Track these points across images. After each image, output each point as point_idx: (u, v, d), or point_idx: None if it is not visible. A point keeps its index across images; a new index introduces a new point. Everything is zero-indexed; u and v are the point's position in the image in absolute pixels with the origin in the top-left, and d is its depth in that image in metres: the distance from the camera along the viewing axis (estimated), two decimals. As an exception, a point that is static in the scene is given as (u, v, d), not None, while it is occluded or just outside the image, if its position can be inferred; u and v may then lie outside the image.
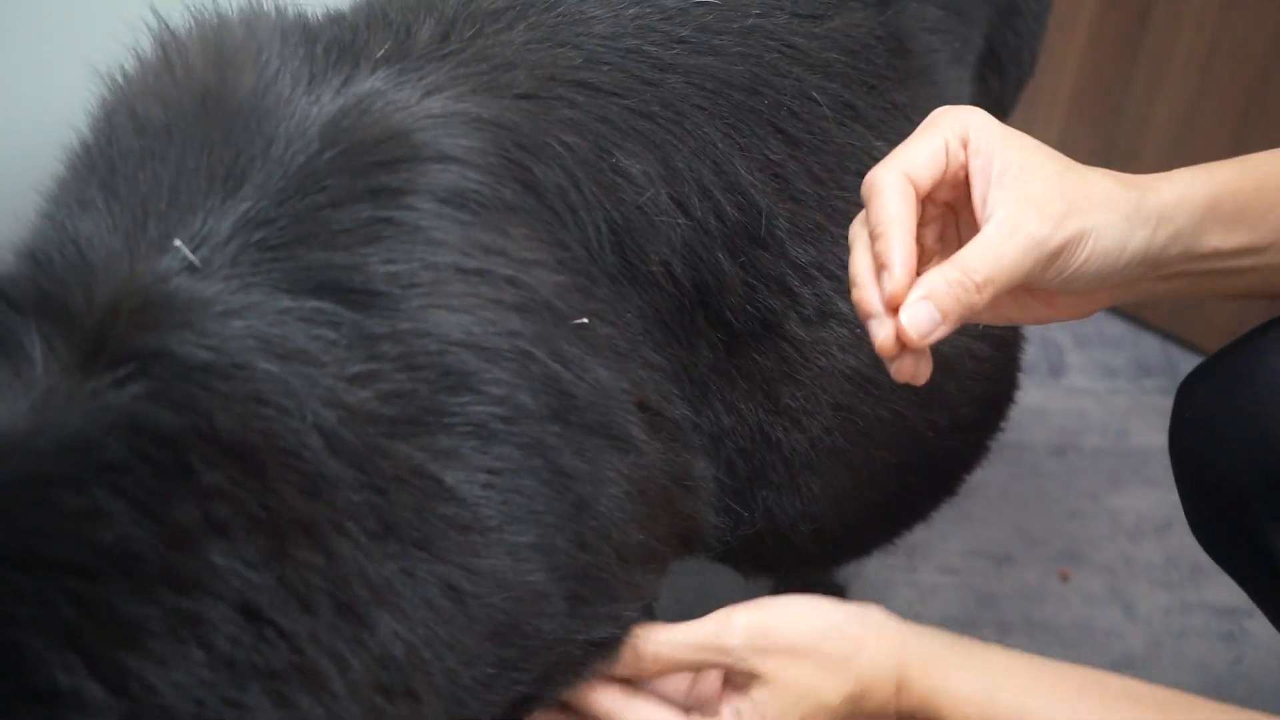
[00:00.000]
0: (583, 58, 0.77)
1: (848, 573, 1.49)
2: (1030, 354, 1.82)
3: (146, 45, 0.73)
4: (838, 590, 1.43)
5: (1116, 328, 1.88)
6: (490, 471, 0.67)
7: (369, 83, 0.69)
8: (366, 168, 0.65)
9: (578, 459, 0.71)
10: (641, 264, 0.76)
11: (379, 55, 0.72)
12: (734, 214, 0.80)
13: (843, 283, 0.86)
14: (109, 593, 0.56)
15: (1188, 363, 1.82)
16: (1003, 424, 1.02)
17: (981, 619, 1.45)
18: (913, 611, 1.46)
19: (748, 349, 0.83)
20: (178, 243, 0.61)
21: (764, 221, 0.82)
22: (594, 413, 0.72)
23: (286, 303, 0.62)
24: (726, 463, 0.85)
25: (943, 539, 1.55)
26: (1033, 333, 1.87)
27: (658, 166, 0.77)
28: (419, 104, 0.69)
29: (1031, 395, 1.77)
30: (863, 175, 0.89)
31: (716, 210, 0.79)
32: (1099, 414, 1.74)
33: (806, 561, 0.96)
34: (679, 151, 0.78)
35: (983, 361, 0.95)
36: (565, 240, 0.73)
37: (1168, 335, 1.86)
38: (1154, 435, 1.71)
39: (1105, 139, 1.82)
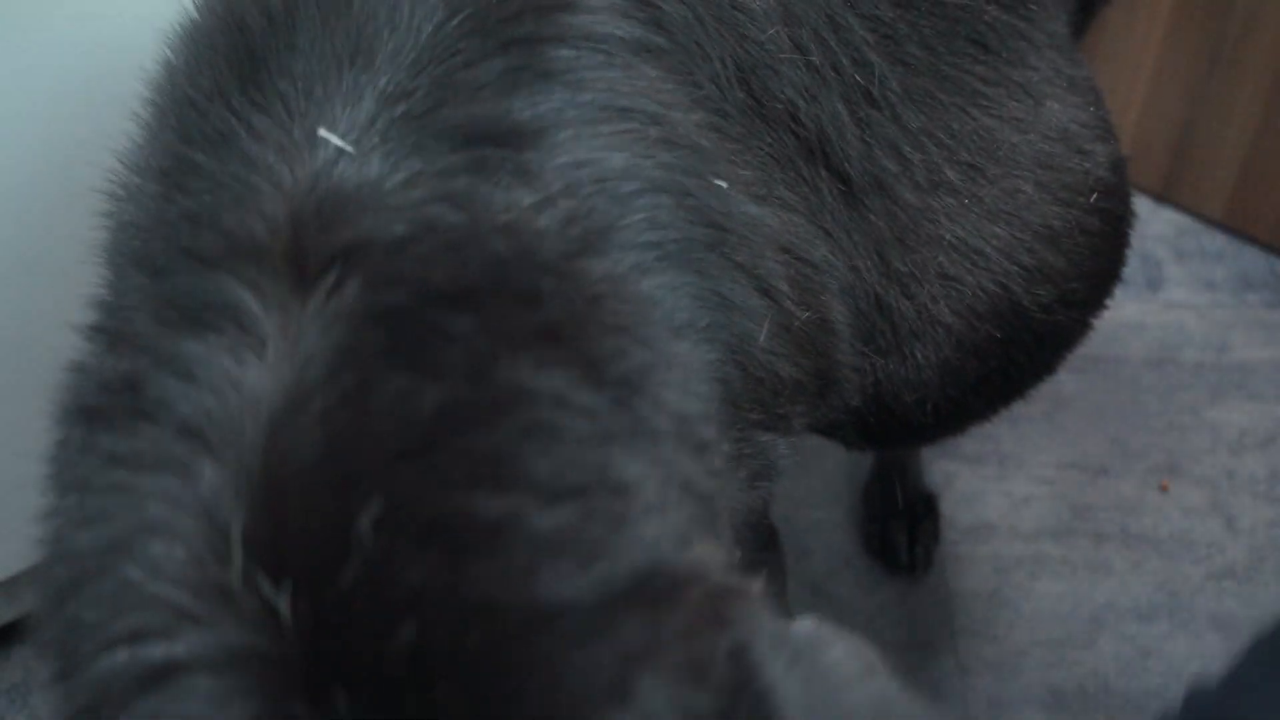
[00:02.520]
0: None
1: (939, 481, 1.47)
2: (1128, 268, 1.78)
3: None
4: (929, 498, 1.41)
5: (1217, 241, 1.82)
6: (673, 287, 0.67)
7: None
8: (495, 25, 0.65)
9: (736, 291, 0.71)
10: (769, 101, 0.76)
11: None
12: (849, 67, 0.79)
13: (952, 151, 0.86)
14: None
15: (1293, 276, 1.76)
16: (1108, 301, 1.00)
17: (1077, 529, 1.43)
18: (1005, 522, 1.44)
19: (864, 207, 0.82)
20: (323, 132, 0.61)
21: (877, 80, 0.81)
22: (745, 250, 0.72)
23: (449, 159, 0.61)
24: (851, 319, 0.85)
25: (1036, 450, 1.52)
26: (1131, 246, 1.83)
27: (776, 6, 0.76)
28: None
29: (1128, 310, 1.73)
30: (976, 37, 0.88)
31: (833, 61, 0.78)
32: (1199, 328, 1.69)
33: (908, 432, 0.96)
34: None
35: (1093, 236, 0.93)
36: (698, 78, 0.72)
37: (1271, 248, 1.79)
38: (1257, 349, 1.66)
39: (1210, 44, 1.75)
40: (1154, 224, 1.86)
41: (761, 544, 1.03)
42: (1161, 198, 1.87)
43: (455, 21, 0.64)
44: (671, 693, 0.48)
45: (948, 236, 0.86)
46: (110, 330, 0.64)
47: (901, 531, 1.38)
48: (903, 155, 0.83)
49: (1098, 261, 0.95)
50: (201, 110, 0.65)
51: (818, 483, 1.48)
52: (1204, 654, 1.31)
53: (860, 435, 0.99)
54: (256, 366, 0.54)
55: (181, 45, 0.70)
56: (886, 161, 0.82)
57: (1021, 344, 0.93)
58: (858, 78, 0.80)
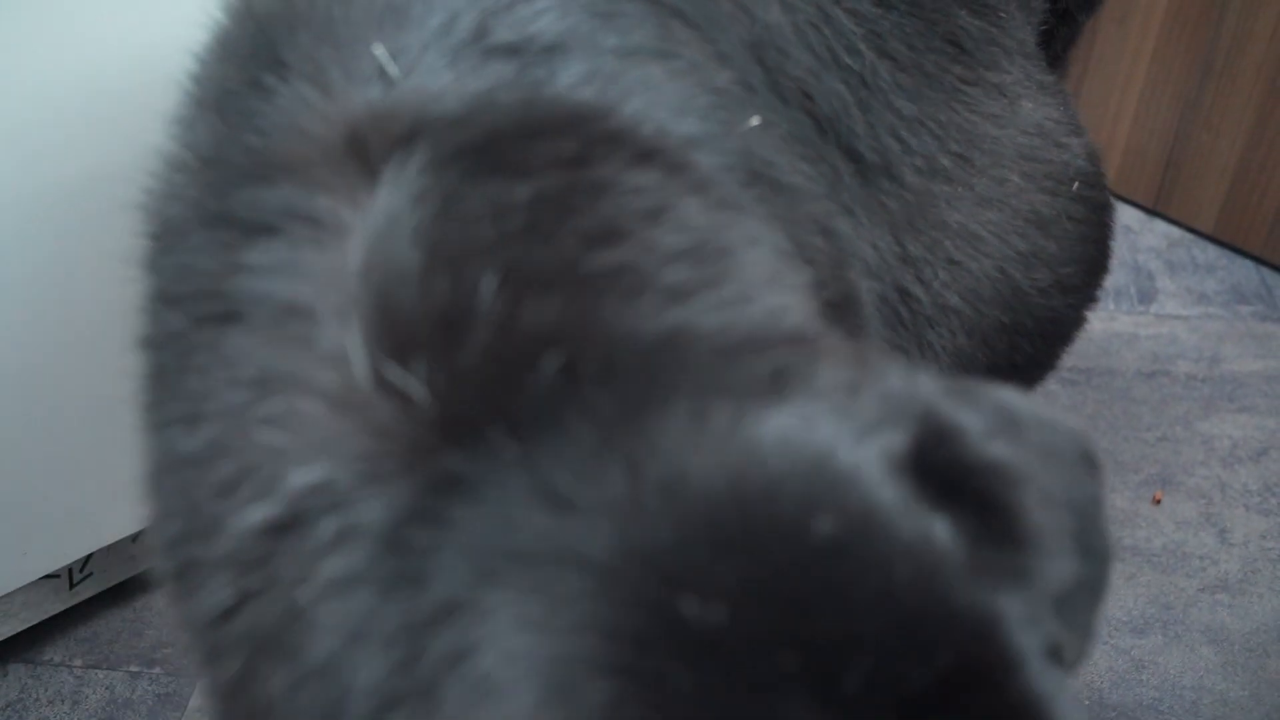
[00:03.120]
0: None
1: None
2: (1120, 280, 1.79)
3: None
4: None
5: (1209, 253, 1.83)
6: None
7: None
8: None
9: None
10: (782, 79, 0.78)
11: None
12: (844, 54, 0.82)
13: (943, 141, 0.89)
14: None
15: (1285, 288, 1.77)
16: (1098, 292, 1.04)
17: (1070, 542, 1.43)
18: (1000, 534, 1.45)
19: (876, 187, 0.85)
20: (376, 50, 0.60)
21: (869, 69, 0.84)
22: (802, 207, 0.74)
23: (498, 66, 0.61)
24: (873, 302, 0.86)
25: (1030, 463, 1.53)
26: (1123, 259, 1.84)
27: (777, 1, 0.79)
28: None
29: (1121, 322, 1.74)
30: (951, 40, 0.92)
31: (829, 46, 0.81)
32: (1191, 340, 1.70)
33: None
34: None
35: (1079, 222, 0.97)
36: (722, 47, 0.74)
37: (1263, 260, 1.80)
38: (1249, 361, 1.66)
39: (1201, 57, 1.76)
40: (1146, 236, 1.87)
41: None
42: (1153, 210, 1.88)
43: None
44: (827, 395, 0.47)
45: (951, 221, 0.89)
46: (171, 282, 0.61)
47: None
48: (901, 138, 0.86)
49: (1085, 247, 1.00)
50: (238, 94, 0.64)
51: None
52: (1197, 667, 1.31)
53: None
54: (338, 243, 0.53)
55: (208, 51, 0.70)
56: (889, 142, 0.85)
57: (1024, 330, 0.97)
58: (852, 64, 0.83)
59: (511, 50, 0.62)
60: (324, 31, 0.64)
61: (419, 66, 0.61)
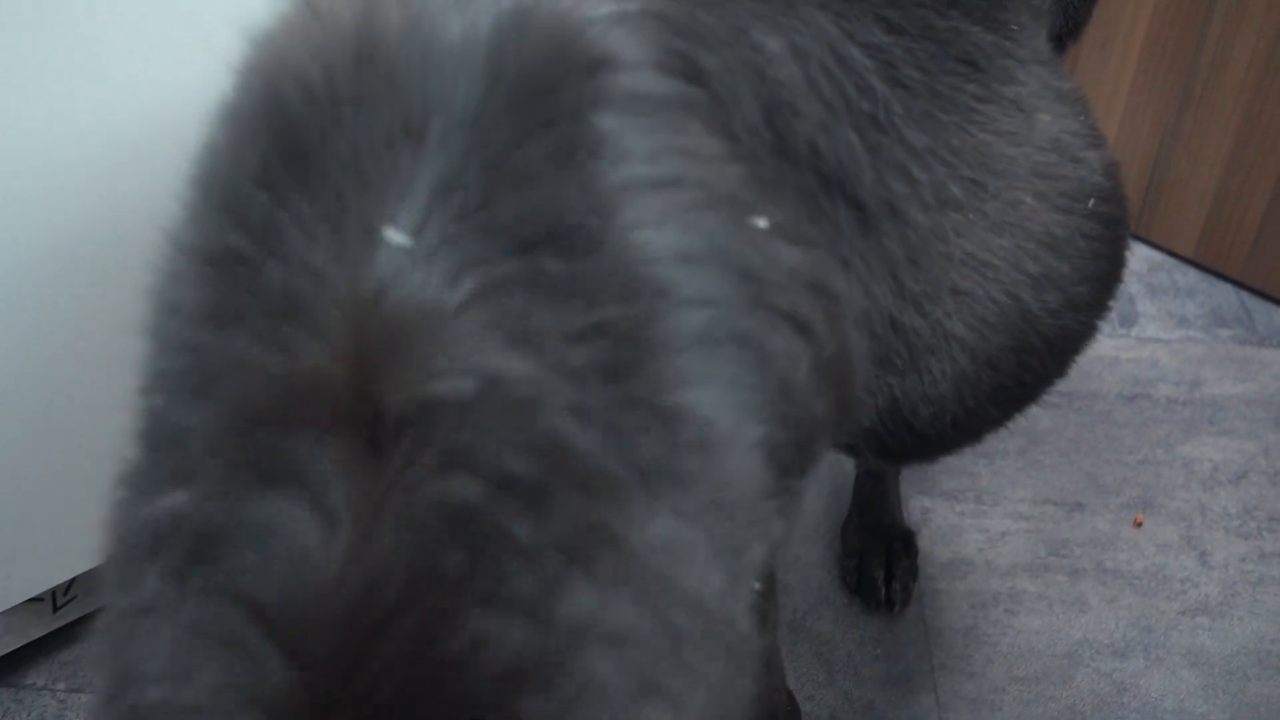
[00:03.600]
0: None
1: (916, 518, 1.48)
2: (1101, 303, 1.80)
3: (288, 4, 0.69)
4: (907, 535, 1.42)
5: (1190, 277, 1.85)
6: (716, 380, 0.67)
7: None
8: (538, 96, 0.63)
9: (775, 343, 0.72)
10: (791, 140, 0.77)
11: None
12: (855, 96, 0.81)
13: (955, 168, 0.89)
14: None
15: (1263, 313, 1.79)
16: (1112, 303, 1.03)
17: (1053, 565, 1.44)
18: (982, 558, 1.46)
19: (878, 232, 0.84)
20: (388, 234, 0.59)
21: (881, 105, 0.83)
22: (783, 296, 0.73)
23: (504, 267, 0.60)
24: (867, 345, 0.87)
25: (1012, 486, 1.53)
26: (1103, 282, 1.85)
27: (785, 45, 0.77)
28: (574, 4, 0.67)
29: (1102, 345, 1.75)
30: (964, 62, 0.91)
31: (841, 91, 0.80)
32: (1172, 363, 1.71)
33: (927, 445, 0.98)
34: (799, 34, 0.78)
35: (1094, 240, 0.96)
36: (733, 126, 0.73)
37: (1243, 285, 1.82)
38: (1229, 385, 1.68)
39: (1181, 84, 1.78)
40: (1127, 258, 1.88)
41: (766, 591, 1.05)
42: (1134, 234, 1.90)
43: (499, 93, 0.63)
44: None
45: (957, 252, 0.88)
46: (167, 460, 0.62)
47: (879, 568, 1.39)
48: (911, 176, 0.86)
49: (1099, 264, 0.98)
50: (247, 195, 0.63)
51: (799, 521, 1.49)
52: (1178, 690, 1.32)
53: (878, 453, 1.01)
54: (327, 546, 0.53)
55: (223, 126, 0.68)
56: (896, 184, 0.84)
57: (1033, 350, 0.96)
58: (864, 105, 0.82)
59: (515, 240, 0.61)
60: (343, 144, 0.62)
61: (430, 249, 0.59)
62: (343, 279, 0.58)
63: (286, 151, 0.63)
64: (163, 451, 0.61)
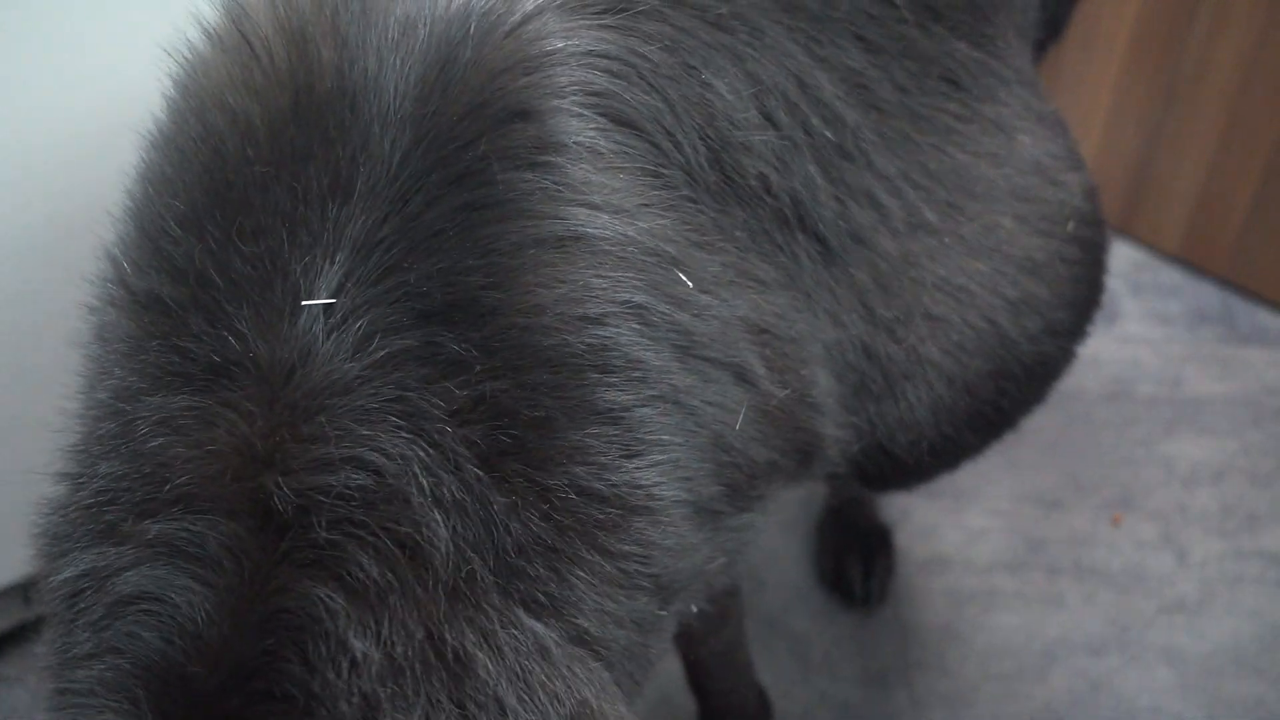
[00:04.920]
0: None
1: (894, 514, 1.48)
2: (1084, 301, 1.80)
3: (210, 14, 0.69)
4: (884, 531, 1.42)
5: (1173, 276, 1.85)
6: (636, 447, 0.67)
7: (441, 7, 0.66)
8: (453, 151, 0.64)
9: (707, 396, 0.71)
10: (741, 178, 0.75)
11: None
12: (820, 127, 0.79)
13: (930, 191, 0.86)
14: None
15: (1245, 312, 1.79)
16: (1090, 328, 1.02)
17: (1030, 562, 1.44)
18: (960, 555, 1.45)
19: (843, 262, 0.82)
20: (306, 303, 0.61)
21: (850, 134, 0.81)
22: (716, 348, 0.71)
23: (406, 340, 0.62)
24: (837, 376, 0.85)
25: (991, 484, 1.53)
26: (1087, 280, 1.85)
27: (743, 80, 0.75)
28: (502, 45, 0.66)
29: (1085, 345, 1.75)
30: (947, 76, 0.88)
31: (804, 123, 0.78)
32: (1154, 362, 1.71)
33: (905, 472, 0.97)
34: (761, 65, 0.77)
35: (1073, 264, 0.94)
36: (664, 170, 0.71)
37: (1226, 283, 1.82)
38: (1210, 384, 1.68)
39: (1165, 82, 1.77)
40: (1110, 258, 1.88)
41: (728, 604, 1.04)
42: (1118, 232, 1.90)
43: (420, 149, 0.63)
44: None
45: (930, 277, 0.86)
46: (91, 516, 0.65)
47: (857, 564, 1.38)
48: (879, 203, 0.83)
49: (1079, 289, 0.97)
50: (178, 242, 0.64)
51: (774, 518, 1.48)
52: (1154, 688, 1.32)
53: (858, 480, 1.00)
54: (207, 628, 0.59)
55: (156, 153, 0.68)
56: (862, 214, 0.82)
57: (1011, 376, 0.94)
58: (828, 134, 0.80)
59: (418, 312, 0.63)
60: (280, 199, 0.63)
61: (345, 313, 0.61)
62: (265, 347, 0.61)
63: (220, 194, 0.63)
64: (87, 504, 0.64)
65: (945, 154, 0.88)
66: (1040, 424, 1.63)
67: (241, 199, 0.63)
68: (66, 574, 0.64)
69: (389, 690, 0.59)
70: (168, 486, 0.61)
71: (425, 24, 0.65)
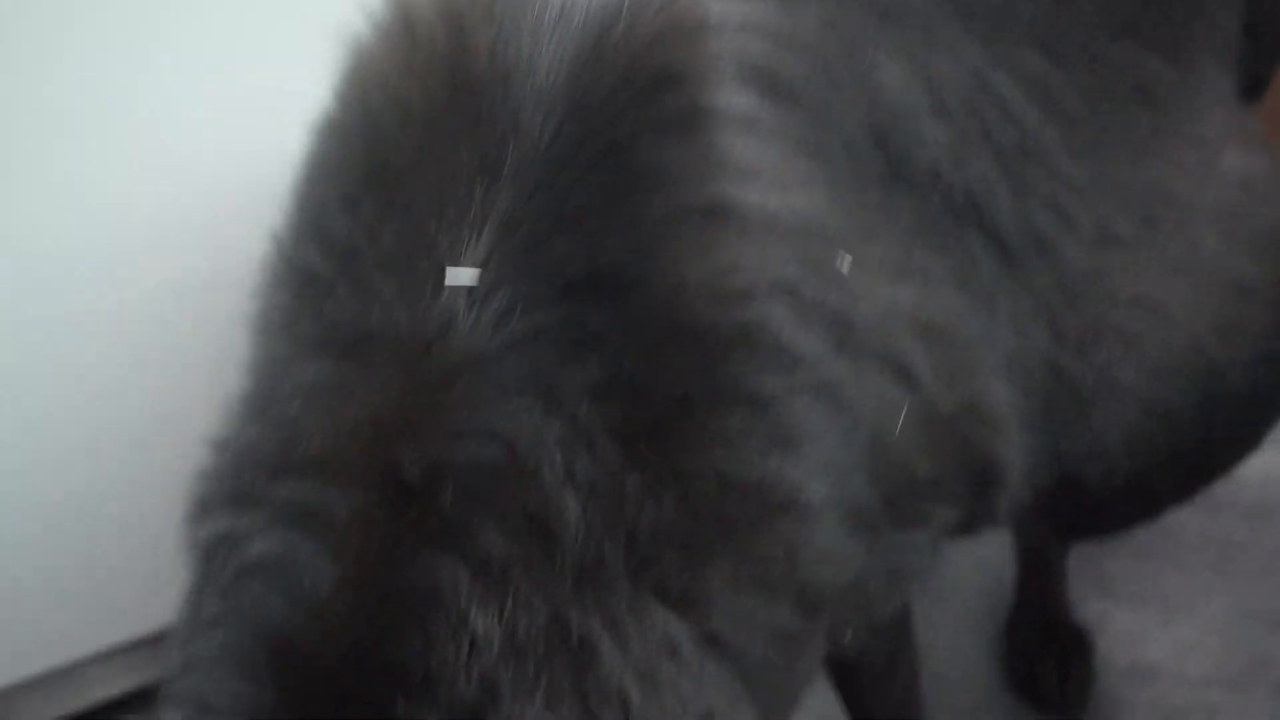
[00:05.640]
0: None
1: (1093, 619, 1.34)
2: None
3: (379, 8, 0.70)
4: (1080, 633, 1.29)
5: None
6: (784, 438, 0.62)
7: (604, 4, 0.65)
8: (602, 124, 0.62)
9: (864, 391, 0.66)
10: (908, 166, 0.72)
11: None
12: (999, 126, 0.76)
13: (1122, 203, 0.81)
14: None
15: None
16: None
17: (1254, 681, 1.28)
18: (1172, 667, 1.31)
19: (1025, 268, 0.77)
20: (449, 278, 0.61)
21: (1032, 138, 0.77)
22: (874, 338, 0.67)
23: (549, 314, 0.60)
24: (1021, 392, 0.78)
25: (1205, 595, 1.38)
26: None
27: (915, 69, 0.73)
28: (655, 18, 0.65)
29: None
30: (1140, 89, 0.83)
31: (982, 121, 0.75)
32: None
33: (1098, 513, 0.88)
34: (934, 57, 0.74)
35: None
36: (824, 146, 0.68)
37: None
38: None
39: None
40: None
41: (898, 645, 0.95)
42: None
43: (570, 125, 0.62)
44: None
45: (1124, 293, 0.80)
46: (231, 479, 0.65)
47: (1052, 667, 1.25)
48: (1064, 211, 0.78)
49: None
50: (335, 218, 0.65)
51: (957, 608, 1.37)
52: None
53: (1047, 521, 0.91)
54: (330, 600, 0.57)
55: (323, 139, 0.70)
56: (1046, 220, 0.78)
57: (1218, 408, 0.86)
58: (1009, 134, 0.76)
59: (562, 283, 0.61)
60: (429, 173, 0.63)
61: (487, 289, 0.60)
62: (406, 317, 0.60)
63: (377, 173, 0.64)
64: (228, 467, 0.65)
65: (1140, 166, 0.83)
66: (1257, 538, 1.48)
67: (395, 177, 0.64)
68: (203, 535, 0.63)
69: (510, 672, 0.56)
70: (301, 451, 0.60)
71: (583, 6, 0.65)
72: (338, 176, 0.67)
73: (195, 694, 0.59)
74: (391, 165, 0.64)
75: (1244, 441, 0.93)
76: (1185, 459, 0.88)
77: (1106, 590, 1.39)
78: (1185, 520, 1.47)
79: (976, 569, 1.41)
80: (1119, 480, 0.84)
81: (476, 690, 0.56)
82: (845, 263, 0.66)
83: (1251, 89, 1.13)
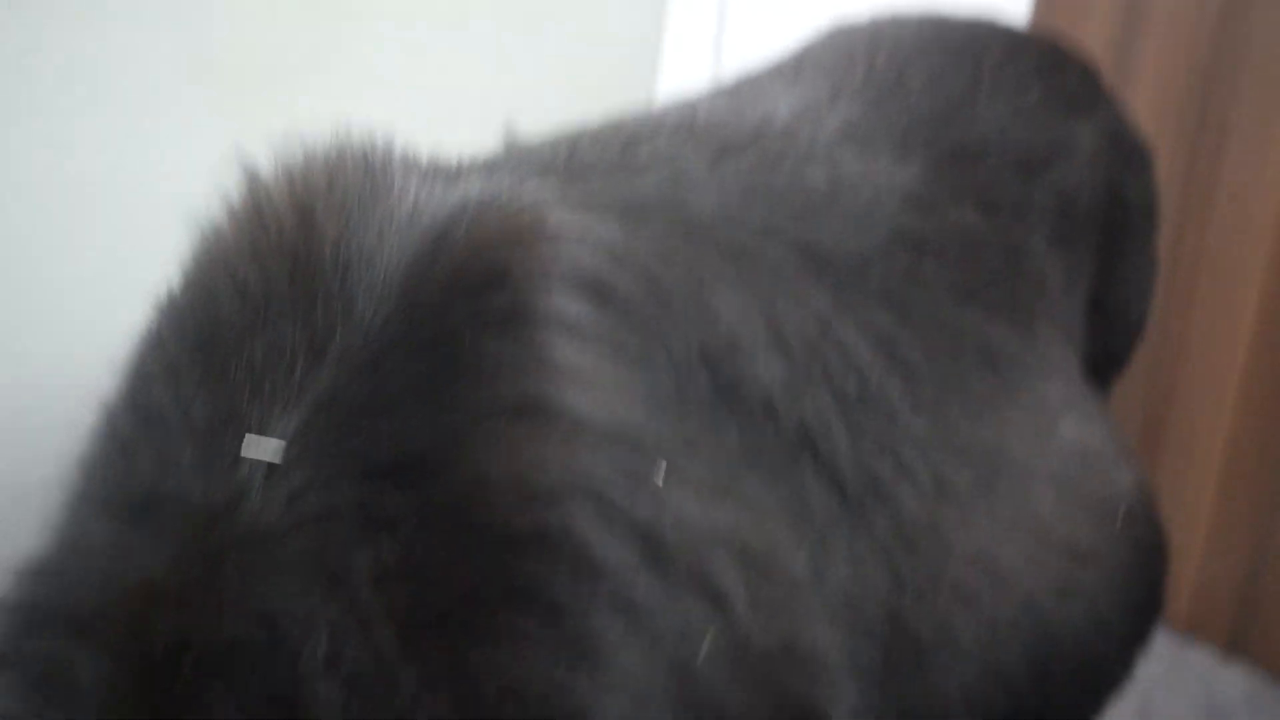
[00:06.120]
0: (687, 203, 0.76)
1: None
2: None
3: (234, 193, 0.72)
4: None
5: (1298, 707, 1.64)
6: (576, 654, 0.59)
7: (451, 198, 0.67)
8: (430, 318, 0.63)
9: (670, 611, 0.63)
10: (738, 395, 0.71)
11: (468, 167, 0.72)
12: (840, 370, 0.77)
13: (960, 461, 0.81)
14: None
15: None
16: (1149, 636, 0.92)
17: None
18: None
19: (864, 513, 0.76)
20: (247, 447, 0.60)
21: (874, 387, 0.78)
22: (686, 557, 0.64)
23: (345, 495, 0.59)
24: (858, 636, 0.75)
25: None
26: (1198, 707, 1.65)
27: (756, 305, 0.74)
28: (496, 223, 0.66)
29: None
30: (982, 354, 0.86)
31: (824, 364, 0.76)
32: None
33: None
34: (779, 299, 0.76)
35: (1123, 558, 0.88)
36: (653, 361, 0.68)
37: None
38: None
39: (1269, 490, 1.68)
40: (1222, 681, 1.69)
41: None
42: (1227, 653, 1.73)
43: (399, 316, 0.63)
44: None
45: (960, 548, 0.80)
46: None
47: None
48: (901, 461, 0.79)
49: (1131, 587, 0.90)
50: (154, 385, 0.65)
51: None
52: None
53: None
54: None
55: (160, 316, 0.70)
56: (883, 468, 0.77)
57: (1052, 672, 0.84)
58: (850, 381, 0.77)
59: (363, 468, 0.60)
60: (256, 351, 0.63)
61: (288, 465, 0.59)
62: (200, 487, 0.60)
63: (204, 347, 0.65)
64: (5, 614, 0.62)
65: (979, 425, 0.84)
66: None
67: (221, 353, 0.64)
68: None
69: None
70: (65, 611, 0.58)
71: (431, 209, 0.67)
72: (166, 349, 0.67)
73: None
74: (219, 340, 0.64)
75: (1085, 708, 0.92)
76: None
77: None
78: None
79: None
80: None
81: None
82: (661, 474, 0.64)
83: (1107, 366, 1.17)
